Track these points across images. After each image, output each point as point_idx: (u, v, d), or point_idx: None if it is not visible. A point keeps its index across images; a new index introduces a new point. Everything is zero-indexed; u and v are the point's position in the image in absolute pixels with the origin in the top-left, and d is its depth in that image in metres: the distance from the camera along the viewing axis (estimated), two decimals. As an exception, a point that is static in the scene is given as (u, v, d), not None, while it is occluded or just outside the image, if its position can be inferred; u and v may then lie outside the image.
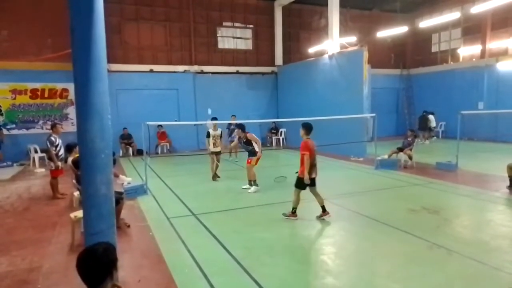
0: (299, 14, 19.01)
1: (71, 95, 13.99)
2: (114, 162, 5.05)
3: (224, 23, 17.48)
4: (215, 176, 9.90)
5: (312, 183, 6.23)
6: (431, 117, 17.26)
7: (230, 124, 13.19)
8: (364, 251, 5.02)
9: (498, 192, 7.85)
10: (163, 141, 15.68)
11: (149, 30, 16.04)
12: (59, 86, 14.22)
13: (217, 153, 9.96)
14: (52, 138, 8.09)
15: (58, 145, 8.14)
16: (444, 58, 19.77)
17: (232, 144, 11.58)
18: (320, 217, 6.23)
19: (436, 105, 18.38)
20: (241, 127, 8.68)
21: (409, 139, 11.20)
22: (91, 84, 3.49)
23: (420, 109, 18.89)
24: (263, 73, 18.17)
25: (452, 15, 16.61)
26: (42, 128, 14.03)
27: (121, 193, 6.41)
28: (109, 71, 10.58)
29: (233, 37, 17.82)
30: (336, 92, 13.97)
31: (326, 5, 14.73)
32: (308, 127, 6.28)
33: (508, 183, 7.95)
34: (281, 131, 17.42)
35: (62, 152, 8.15)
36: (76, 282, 2.07)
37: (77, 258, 2.05)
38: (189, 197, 8.02)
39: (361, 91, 12.77)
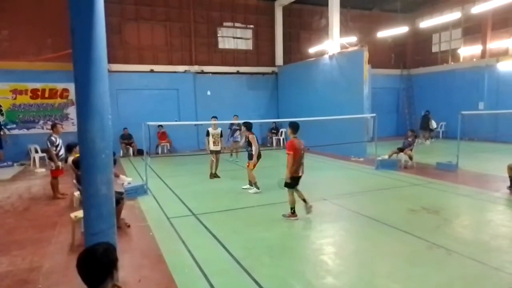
0: (300, 14, 19.01)
1: (72, 95, 14.00)
2: (115, 162, 5.06)
3: (225, 23, 17.49)
4: (212, 175, 9.91)
5: (297, 182, 6.35)
6: (431, 116, 17.29)
7: (232, 124, 13.19)
8: (364, 251, 5.03)
9: (498, 192, 7.85)
10: (163, 141, 15.69)
11: (149, 30, 16.05)
12: (60, 86, 14.23)
13: (217, 152, 9.97)
14: (53, 138, 8.09)
15: (58, 145, 8.14)
16: (444, 58, 19.77)
17: (240, 144, 11.57)
18: (285, 216, 6.38)
19: (436, 105, 18.40)
20: (247, 124, 8.59)
21: (410, 139, 11.20)
22: (92, 84, 3.50)
23: (421, 109, 18.90)
24: (263, 73, 18.18)
25: (452, 15, 16.61)
26: (42, 128, 14.04)
27: (121, 193, 6.41)
28: (109, 71, 10.61)
29: (234, 37, 17.82)
30: (336, 92, 13.97)
31: (327, 5, 14.74)
32: (294, 126, 6.35)
33: (508, 183, 7.94)
34: (282, 131, 17.42)
35: (62, 152, 8.15)
36: (76, 282, 2.08)
37: (77, 258, 2.05)
38: (189, 197, 8.03)
39: (362, 91, 12.77)
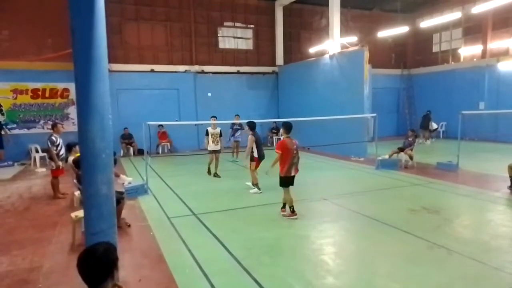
0: (300, 14, 19.01)
1: (72, 95, 14.01)
2: (115, 162, 5.05)
3: (225, 23, 17.48)
4: (210, 172, 9.92)
5: (291, 181, 6.40)
6: (432, 117, 17.28)
7: (233, 124, 13.19)
8: (364, 251, 5.02)
9: (498, 192, 7.85)
10: (163, 141, 15.70)
11: (149, 30, 16.05)
12: (60, 86, 14.24)
13: (217, 152, 9.98)
14: (53, 138, 8.10)
15: (59, 144, 8.15)
16: (445, 58, 19.76)
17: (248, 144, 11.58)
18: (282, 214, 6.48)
19: (437, 105, 18.38)
20: (250, 124, 8.57)
21: (410, 139, 11.19)
22: (92, 84, 3.49)
23: (421, 109, 18.89)
24: (263, 73, 18.18)
25: (453, 15, 16.60)
26: (43, 128, 14.05)
27: (122, 193, 6.41)
28: (110, 71, 10.59)
29: (234, 37, 17.81)
30: (337, 92, 13.97)
31: (327, 5, 14.74)
32: (287, 127, 6.46)
33: (508, 183, 7.94)
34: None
35: (63, 151, 8.16)
36: (77, 282, 2.08)
37: (77, 258, 2.06)
38: (190, 197, 8.03)
39: (362, 91, 12.77)
